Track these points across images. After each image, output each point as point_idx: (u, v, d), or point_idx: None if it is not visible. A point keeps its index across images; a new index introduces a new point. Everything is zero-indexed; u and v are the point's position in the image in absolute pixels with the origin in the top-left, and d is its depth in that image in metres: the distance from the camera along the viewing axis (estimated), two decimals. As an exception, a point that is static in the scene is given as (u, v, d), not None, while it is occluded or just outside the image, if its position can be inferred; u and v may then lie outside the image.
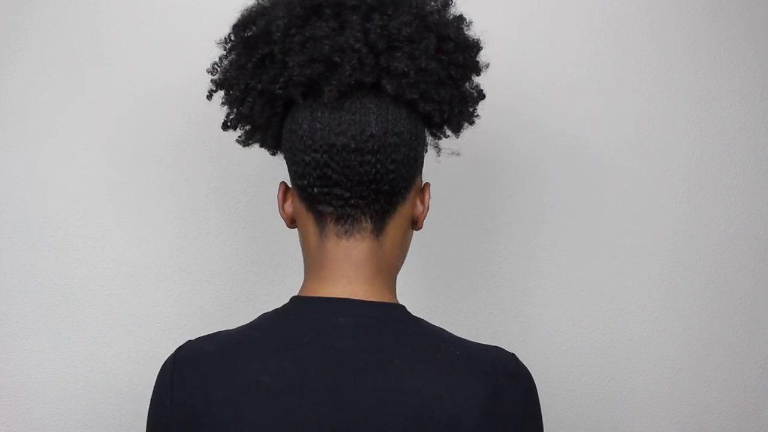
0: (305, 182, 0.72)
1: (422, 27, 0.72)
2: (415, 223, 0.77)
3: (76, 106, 1.10)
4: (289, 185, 0.77)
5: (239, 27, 0.75)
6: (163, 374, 0.72)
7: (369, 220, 0.72)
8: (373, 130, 0.69)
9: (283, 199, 0.77)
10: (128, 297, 1.11)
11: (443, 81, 0.73)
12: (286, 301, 0.75)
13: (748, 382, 1.20)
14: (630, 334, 1.19)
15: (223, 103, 0.79)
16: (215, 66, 0.79)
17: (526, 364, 0.73)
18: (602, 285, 1.18)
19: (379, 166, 0.70)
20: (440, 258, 1.17)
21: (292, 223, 0.78)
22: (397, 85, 0.70)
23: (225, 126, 0.80)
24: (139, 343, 1.11)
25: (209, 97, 0.79)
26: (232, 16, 0.78)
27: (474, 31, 0.78)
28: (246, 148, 0.84)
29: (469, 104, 0.78)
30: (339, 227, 0.72)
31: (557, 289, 1.18)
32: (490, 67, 0.80)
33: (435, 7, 0.74)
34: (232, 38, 0.76)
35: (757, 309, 1.20)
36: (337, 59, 0.68)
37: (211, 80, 0.79)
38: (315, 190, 0.71)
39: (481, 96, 0.79)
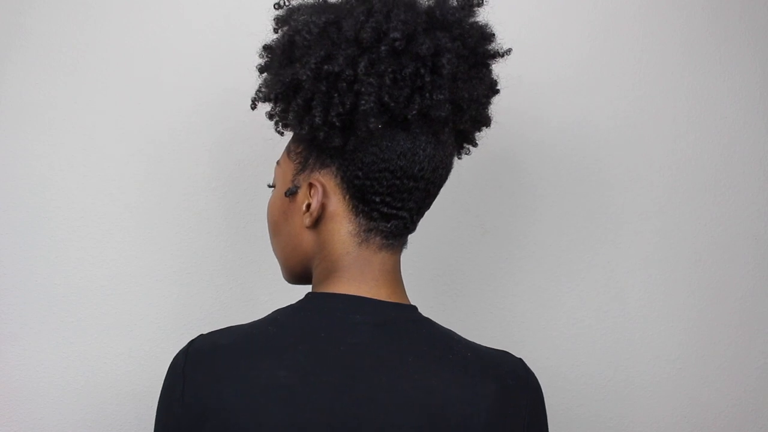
0: (377, 199, 0.72)
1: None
2: None
3: (76, 106, 1.10)
4: (327, 187, 0.73)
5: (397, 37, 0.67)
6: (174, 367, 0.71)
7: (405, 237, 0.77)
8: (449, 168, 0.76)
9: (322, 199, 0.73)
10: (128, 297, 1.11)
11: None
12: (287, 301, 0.75)
13: (748, 382, 1.20)
14: (630, 334, 1.19)
15: (273, 76, 0.72)
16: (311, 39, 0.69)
17: (526, 364, 0.74)
18: (602, 285, 1.18)
19: (436, 196, 0.77)
20: (440, 258, 1.17)
21: (315, 223, 0.74)
22: (475, 137, 0.78)
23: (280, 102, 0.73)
24: (139, 343, 1.11)
25: (319, 69, 0.68)
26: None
27: None
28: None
29: None
30: (385, 241, 0.74)
31: (557, 289, 1.18)
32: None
33: None
34: (390, 46, 0.68)
35: (757, 309, 1.20)
36: (465, 106, 0.72)
37: (331, 72, 0.68)
38: (385, 209, 0.73)
39: None
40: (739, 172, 1.19)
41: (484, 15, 0.77)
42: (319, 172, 0.74)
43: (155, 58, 1.11)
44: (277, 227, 0.78)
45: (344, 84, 0.68)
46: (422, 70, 0.68)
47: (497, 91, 0.79)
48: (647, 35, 1.18)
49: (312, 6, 0.73)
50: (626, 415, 1.19)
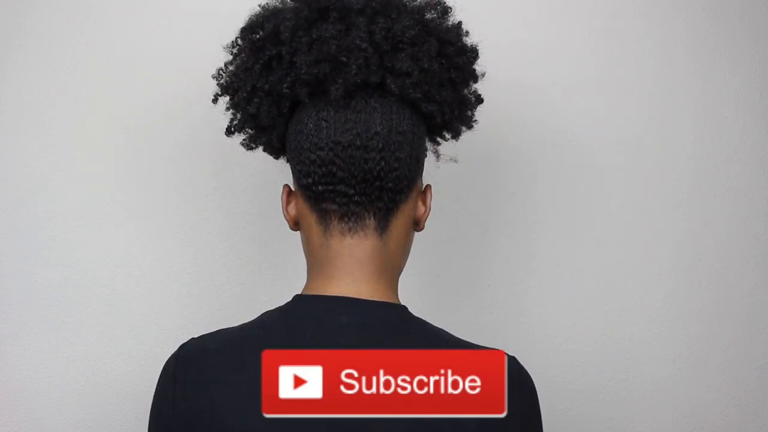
0: (310, 180, 0.73)
1: (424, 31, 0.74)
2: (417, 224, 0.79)
3: (76, 106, 1.10)
4: (292, 187, 0.78)
5: (247, 30, 0.77)
6: (166, 371, 0.72)
7: (372, 218, 0.74)
8: (378, 128, 0.72)
9: (287, 201, 0.78)
10: (128, 297, 1.11)
11: (444, 83, 0.76)
12: (287, 300, 0.75)
13: (748, 382, 1.20)
14: (630, 334, 1.19)
15: (227, 108, 0.80)
16: (221, 71, 0.80)
17: (526, 364, 0.73)
18: (602, 285, 1.18)
19: (383, 163, 0.72)
20: (440, 258, 1.16)
21: (295, 225, 0.78)
22: (401, 84, 0.72)
23: (229, 131, 0.81)
24: (139, 343, 1.11)
25: (215, 101, 0.81)
26: (233, 17, 0.79)
27: (473, 38, 0.79)
28: (247, 150, 0.84)
29: (469, 108, 0.81)
30: (343, 225, 0.73)
31: (557, 290, 1.18)
32: (489, 68, 0.81)
33: (435, 15, 0.77)
34: (240, 42, 0.78)
35: (757, 309, 1.20)
36: (344, 59, 0.71)
37: (217, 84, 0.80)
38: (320, 188, 0.73)
39: (480, 100, 0.82)
40: (739, 172, 1.19)
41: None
42: (291, 178, 0.78)
43: (155, 59, 1.11)
44: None
45: (236, 93, 0.78)
46: (282, 49, 0.73)
47: (397, 41, 0.73)
48: (647, 35, 1.17)
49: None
50: (626, 415, 1.19)
